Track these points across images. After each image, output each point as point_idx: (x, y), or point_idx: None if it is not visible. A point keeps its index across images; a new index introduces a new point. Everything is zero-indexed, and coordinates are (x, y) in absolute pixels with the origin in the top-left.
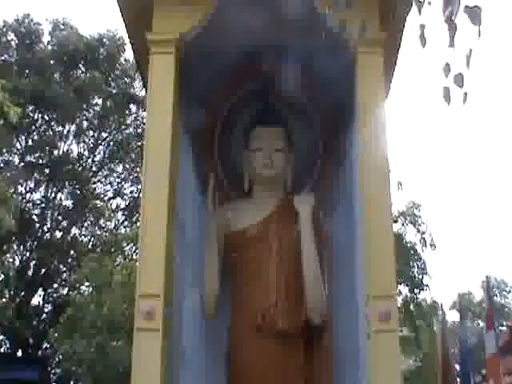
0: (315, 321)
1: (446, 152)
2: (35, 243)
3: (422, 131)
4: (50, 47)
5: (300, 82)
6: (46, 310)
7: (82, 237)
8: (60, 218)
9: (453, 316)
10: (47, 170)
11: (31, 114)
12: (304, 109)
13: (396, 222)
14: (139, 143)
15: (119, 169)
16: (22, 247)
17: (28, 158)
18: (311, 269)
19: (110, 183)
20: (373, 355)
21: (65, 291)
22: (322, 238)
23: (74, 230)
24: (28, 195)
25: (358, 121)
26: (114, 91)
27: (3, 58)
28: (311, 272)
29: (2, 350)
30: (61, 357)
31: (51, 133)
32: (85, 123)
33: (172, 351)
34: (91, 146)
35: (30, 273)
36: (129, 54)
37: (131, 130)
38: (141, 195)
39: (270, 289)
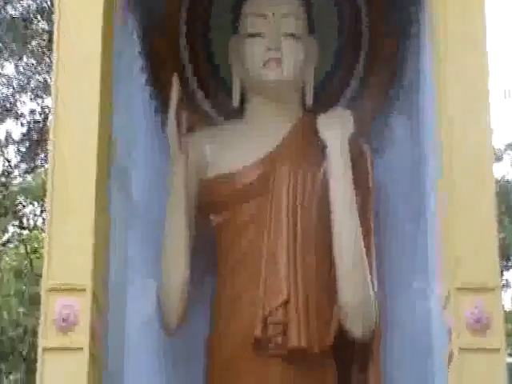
0: (356, 334)
1: None
2: None
3: None
4: None
5: None
6: None
7: None
8: None
9: None
10: None
11: None
12: None
13: (500, 160)
14: (45, 25)
15: (9, 70)
16: None
17: None
18: (347, 246)
19: None
20: None
21: None
22: (369, 191)
23: None
24: None
25: None
26: None
27: None
28: (348, 251)
29: None
30: None
31: None
32: None
33: None
34: None
35: None
36: None
37: (30, 1)
38: (50, 117)
39: (278, 277)
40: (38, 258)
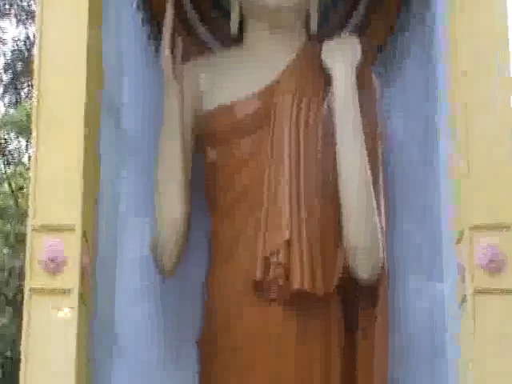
0: (361, 275)
1: None
2: None
3: None
4: None
5: None
6: None
7: None
8: None
9: None
10: None
11: None
12: None
13: None
14: None
15: None
16: None
17: None
18: (355, 183)
19: None
20: (471, 337)
21: None
22: (376, 127)
23: None
24: None
25: None
26: None
27: None
28: (355, 190)
29: None
30: None
31: None
32: None
33: (98, 330)
34: None
35: None
36: None
37: None
38: (35, 45)
39: (279, 215)
40: (23, 196)
